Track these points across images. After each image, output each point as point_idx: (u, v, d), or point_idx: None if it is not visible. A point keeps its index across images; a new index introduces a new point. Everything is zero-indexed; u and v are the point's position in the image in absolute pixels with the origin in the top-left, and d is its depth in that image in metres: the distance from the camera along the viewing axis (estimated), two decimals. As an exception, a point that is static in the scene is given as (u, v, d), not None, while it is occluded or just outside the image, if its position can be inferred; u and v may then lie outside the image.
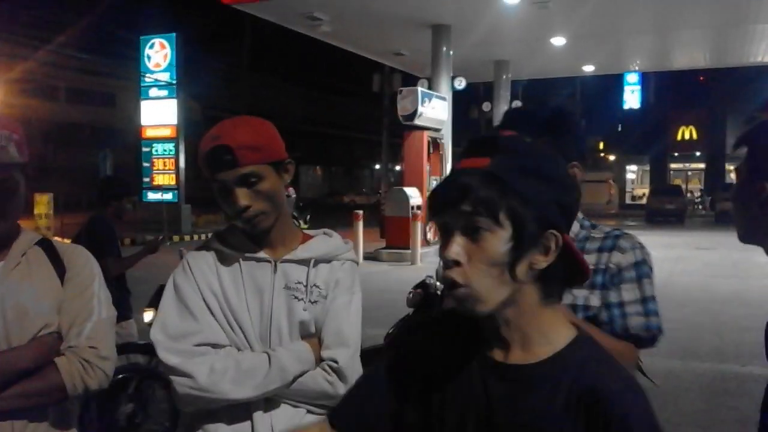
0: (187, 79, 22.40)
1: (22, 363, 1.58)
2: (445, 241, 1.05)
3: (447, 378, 1.13)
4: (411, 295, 4.02)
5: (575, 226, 1.79)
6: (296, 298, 1.70)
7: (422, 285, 4.06)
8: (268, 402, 1.62)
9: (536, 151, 1.10)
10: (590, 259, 1.69)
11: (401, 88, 15.79)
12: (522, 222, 1.01)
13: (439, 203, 1.06)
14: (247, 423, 1.61)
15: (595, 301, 1.69)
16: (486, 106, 22.11)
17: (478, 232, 1.01)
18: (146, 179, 22.02)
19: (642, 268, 1.73)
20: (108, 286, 1.81)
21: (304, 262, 1.74)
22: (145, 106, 21.92)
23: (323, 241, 1.81)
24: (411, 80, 19.00)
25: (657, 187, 34.24)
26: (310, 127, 45.41)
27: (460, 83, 17.78)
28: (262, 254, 1.71)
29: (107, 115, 37.57)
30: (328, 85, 46.29)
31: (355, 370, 1.70)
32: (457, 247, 1.02)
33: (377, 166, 47.83)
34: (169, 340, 1.61)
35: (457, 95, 17.48)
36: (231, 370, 1.57)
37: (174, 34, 21.59)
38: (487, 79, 20.64)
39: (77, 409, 1.79)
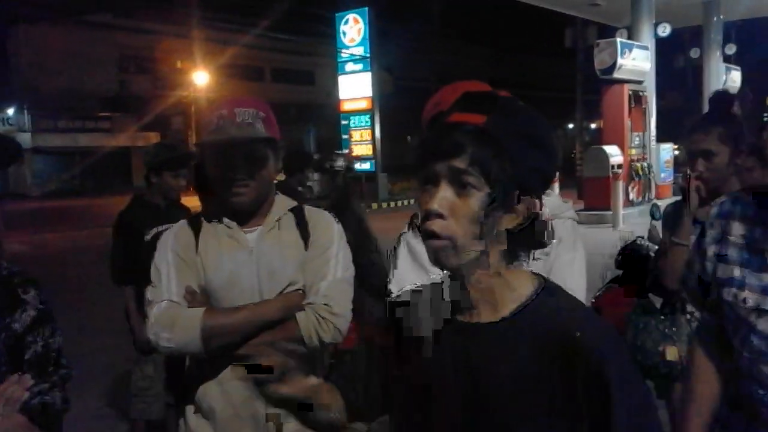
0: (379, 52, 23.07)
1: (270, 314, 1.80)
2: (428, 191, 1.05)
3: (423, 346, 1.14)
4: (620, 257, 3.90)
5: None
6: None
7: (633, 246, 3.92)
8: None
9: (532, 115, 1.08)
10: None
11: (598, 41, 14.99)
12: (507, 184, 1.02)
13: (430, 154, 1.05)
14: None
15: None
16: (694, 53, 20.27)
17: (466, 188, 1.02)
18: (346, 151, 23.18)
19: None
20: None
21: (526, 220, 1.77)
22: (342, 80, 22.96)
23: (544, 200, 1.83)
24: (606, 32, 17.93)
25: None
26: (501, 88, 44.63)
27: (665, 30, 16.45)
28: (485, 214, 1.78)
29: (308, 93, 39.88)
30: (517, 45, 45.19)
31: None
32: (443, 200, 1.03)
33: (570, 125, 46.12)
34: None
35: (660, 43, 16.23)
36: None
37: (366, 9, 22.30)
38: (694, 23, 18.88)
39: (323, 360, 2.00)
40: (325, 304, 1.83)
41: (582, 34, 24.38)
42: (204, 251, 1.85)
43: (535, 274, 1.13)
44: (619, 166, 14.24)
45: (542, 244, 1.12)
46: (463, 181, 1.02)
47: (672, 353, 2.40)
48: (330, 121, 25.55)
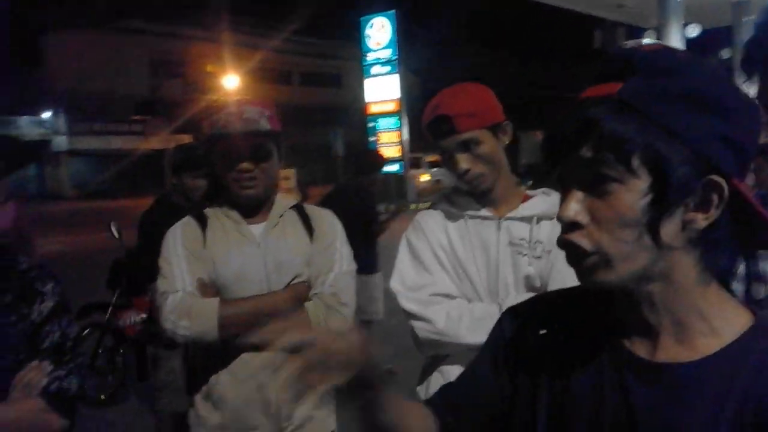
0: (406, 54, 23.14)
1: (280, 304, 1.88)
2: (563, 197, 0.81)
3: (567, 374, 0.86)
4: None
5: None
6: (520, 253, 1.79)
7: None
8: None
9: (691, 67, 0.77)
10: None
11: (624, 42, 14.86)
12: (666, 166, 0.73)
13: (556, 148, 0.80)
14: None
15: None
16: (725, 54, 19.96)
17: (605, 184, 0.76)
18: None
19: None
20: (370, 245, 2.06)
21: (526, 219, 1.82)
22: (368, 83, 23.06)
23: (543, 200, 1.87)
24: (636, 33, 17.76)
25: None
26: (528, 91, 44.68)
27: (694, 30, 16.25)
28: (485, 212, 1.82)
29: (335, 96, 40.13)
30: (546, 47, 44.98)
31: None
32: (576, 204, 0.78)
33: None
34: (407, 290, 1.79)
35: (690, 44, 16.02)
36: (465, 317, 1.71)
37: (393, 12, 22.38)
38: (724, 24, 18.60)
39: None
40: (332, 294, 1.91)
41: (611, 36, 24.15)
42: (212, 245, 1.93)
43: (745, 306, 0.83)
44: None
45: (763, 244, 0.83)
46: (597, 175, 0.76)
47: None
48: (357, 124, 25.68)
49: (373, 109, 23.08)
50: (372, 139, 23.21)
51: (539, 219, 1.84)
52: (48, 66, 32.61)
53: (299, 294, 1.92)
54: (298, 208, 2.06)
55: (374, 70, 22.98)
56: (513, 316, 0.99)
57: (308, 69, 41.43)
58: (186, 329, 1.82)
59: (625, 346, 0.83)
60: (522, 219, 1.81)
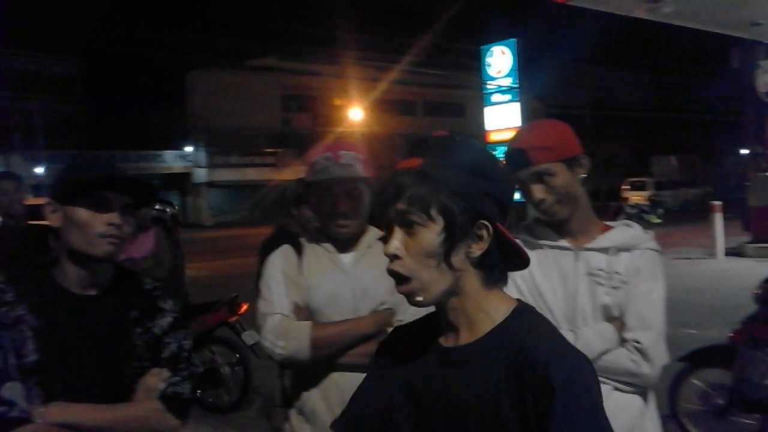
0: (528, 81, 22.94)
1: (366, 328, 2.04)
2: (387, 237, 1.15)
3: (409, 371, 1.22)
4: (760, 291, 3.74)
5: None
6: (598, 283, 1.84)
7: (772, 279, 3.75)
8: None
9: (469, 147, 1.16)
10: None
11: (759, 62, 13.99)
12: (452, 215, 1.10)
13: (380, 202, 1.16)
14: None
15: None
16: None
17: (413, 227, 1.11)
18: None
19: None
20: None
21: (604, 250, 1.87)
22: (488, 111, 23.06)
23: (622, 231, 1.92)
24: (779, 50, 16.62)
25: None
26: (662, 114, 42.70)
27: (836, 49, 15.00)
28: (564, 243, 1.90)
29: (458, 125, 40.30)
30: (679, 68, 42.88)
31: (659, 353, 1.79)
32: (396, 242, 1.13)
33: (745, 151, 42.88)
34: None
35: (837, 61, 14.78)
36: None
37: (513, 41, 22.34)
38: None
39: None
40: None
41: (750, 55, 22.70)
42: (308, 272, 2.12)
43: (511, 297, 1.20)
44: (791, 195, 13.10)
45: (519, 266, 1.21)
46: (407, 221, 1.12)
47: (775, 386, 2.32)
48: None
49: (494, 137, 23.02)
50: (493, 167, 23.09)
51: (618, 250, 1.88)
52: (188, 103, 35.28)
53: (384, 320, 2.06)
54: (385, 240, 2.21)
55: (495, 98, 22.95)
56: (397, 332, 1.36)
57: (432, 99, 41.99)
58: (282, 349, 2.01)
59: (439, 342, 1.20)
60: (600, 250, 1.87)
